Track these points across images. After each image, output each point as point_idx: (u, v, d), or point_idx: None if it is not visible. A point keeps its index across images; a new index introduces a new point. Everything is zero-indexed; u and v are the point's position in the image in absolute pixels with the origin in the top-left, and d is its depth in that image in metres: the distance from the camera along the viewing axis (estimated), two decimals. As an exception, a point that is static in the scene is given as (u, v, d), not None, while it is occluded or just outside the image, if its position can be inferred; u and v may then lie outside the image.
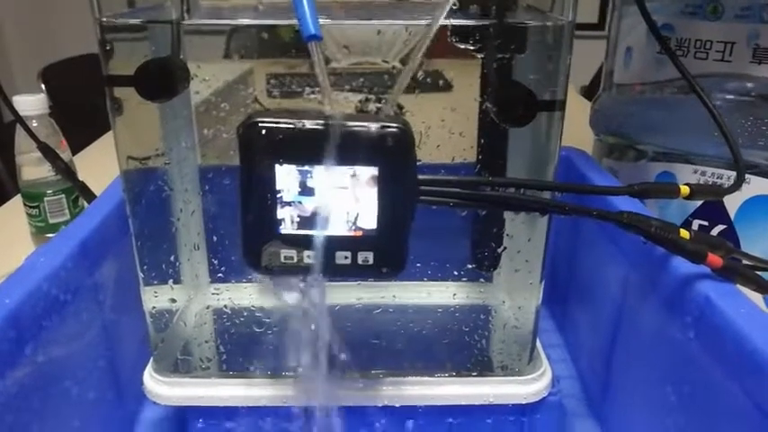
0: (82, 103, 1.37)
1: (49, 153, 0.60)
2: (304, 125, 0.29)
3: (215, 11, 0.41)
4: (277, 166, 0.29)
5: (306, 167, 0.29)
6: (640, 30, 0.55)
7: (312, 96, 0.37)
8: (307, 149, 0.29)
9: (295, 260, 0.31)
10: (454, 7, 0.32)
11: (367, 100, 0.38)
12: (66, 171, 0.61)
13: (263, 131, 0.29)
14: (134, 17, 0.34)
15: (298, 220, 0.30)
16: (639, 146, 0.56)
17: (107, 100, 0.34)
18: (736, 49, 0.47)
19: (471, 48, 0.37)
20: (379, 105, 0.38)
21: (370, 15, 0.39)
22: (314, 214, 0.30)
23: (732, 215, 0.49)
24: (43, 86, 1.59)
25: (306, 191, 0.30)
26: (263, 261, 0.31)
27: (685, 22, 0.50)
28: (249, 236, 0.31)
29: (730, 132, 0.42)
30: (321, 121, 0.29)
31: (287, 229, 0.30)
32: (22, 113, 0.65)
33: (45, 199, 0.72)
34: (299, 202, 0.30)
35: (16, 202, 0.88)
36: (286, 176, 0.29)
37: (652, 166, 0.54)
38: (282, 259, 0.31)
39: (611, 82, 0.61)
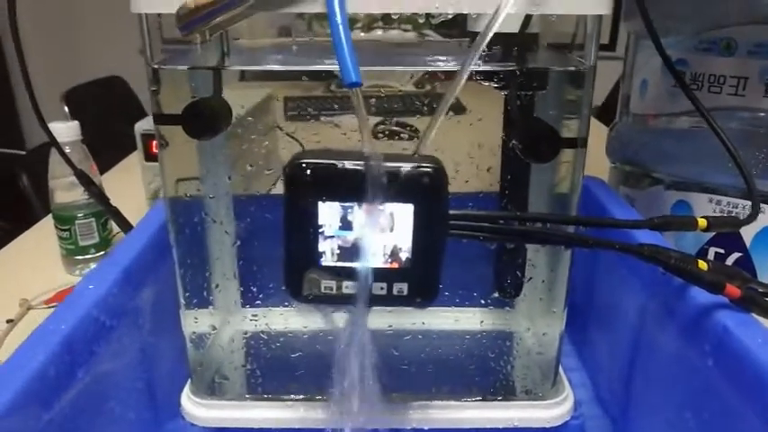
0: (104, 126, 1.40)
1: (84, 180, 0.62)
2: (345, 165, 0.31)
3: (250, 50, 0.43)
4: (320, 203, 0.31)
5: (346, 204, 0.31)
6: (655, 63, 0.57)
7: (328, 119, 0.39)
8: (347, 188, 0.31)
9: (334, 290, 0.33)
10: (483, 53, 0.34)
11: (383, 123, 0.40)
12: (100, 197, 0.63)
13: (308, 171, 0.31)
14: (180, 63, 0.36)
15: (338, 252, 0.32)
16: (655, 174, 0.58)
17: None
18: (749, 84, 0.49)
19: (495, 86, 0.40)
20: (394, 128, 0.40)
21: (399, 55, 0.41)
22: (353, 248, 0.32)
23: (748, 243, 0.51)
24: (66, 109, 1.63)
25: (346, 226, 0.32)
26: (304, 291, 0.33)
27: (699, 58, 0.52)
28: (291, 267, 0.33)
29: (744, 164, 0.44)
30: (361, 162, 0.31)
31: (327, 261, 0.32)
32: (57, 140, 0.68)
33: (76, 222, 0.75)
34: (340, 236, 0.32)
35: (44, 223, 0.91)
36: (328, 212, 0.31)
37: (668, 195, 0.56)
38: (322, 289, 0.33)
39: (628, 108, 0.63)
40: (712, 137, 0.45)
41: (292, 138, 0.41)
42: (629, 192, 0.61)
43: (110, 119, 1.67)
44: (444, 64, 0.38)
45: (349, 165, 0.31)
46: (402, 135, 0.40)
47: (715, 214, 0.52)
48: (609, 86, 1.79)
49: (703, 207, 0.53)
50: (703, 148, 0.51)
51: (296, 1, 0.31)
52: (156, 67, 0.34)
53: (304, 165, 0.31)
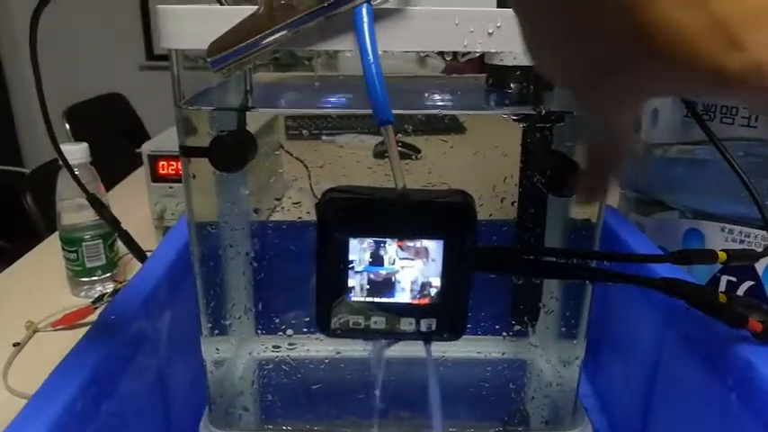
0: (105, 143, 1.40)
1: (96, 204, 0.62)
2: (376, 202, 0.31)
3: (270, 85, 0.44)
4: (351, 238, 0.31)
5: (377, 240, 0.32)
6: (666, 93, 0.58)
7: (329, 138, 0.39)
8: (378, 224, 0.31)
9: (362, 325, 0.33)
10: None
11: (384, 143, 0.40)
12: (113, 221, 0.63)
13: (340, 207, 0.31)
14: (206, 103, 0.37)
15: (367, 288, 0.32)
16: (666, 203, 0.58)
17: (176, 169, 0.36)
18: (761, 116, 0.50)
19: (514, 118, 0.40)
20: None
21: (417, 93, 0.42)
22: (382, 283, 0.32)
23: (760, 272, 0.51)
24: (68, 126, 1.63)
25: (376, 261, 0.32)
26: (333, 325, 0.33)
27: (711, 89, 0.52)
28: (321, 301, 0.33)
29: (759, 195, 0.44)
30: (391, 198, 0.31)
31: (357, 296, 0.33)
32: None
33: (83, 244, 0.75)
34: (370, 272, 0.32)
35: (48, 243, 0.91)
36: (358, 248, 0.32)
37: (679, 223, 0.56)
38: (351, 324, 0.33)
39: (639, 134, 0.63)
40: (724, 167, 0.46)
41: (295, 157, 0.41)
42: (640, 218, 0.62)
43: (110, 136, 1.67)
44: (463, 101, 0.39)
45: (380, 201, 0.31)
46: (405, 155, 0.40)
47: (728, 244, 0.52)
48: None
49: (715, 236, 0.53)
50: (715, 178, 0.52)
51: (327, 38, 0.32)
52: (183, 107, 0.35)
53: (336, 201, 0.31)
